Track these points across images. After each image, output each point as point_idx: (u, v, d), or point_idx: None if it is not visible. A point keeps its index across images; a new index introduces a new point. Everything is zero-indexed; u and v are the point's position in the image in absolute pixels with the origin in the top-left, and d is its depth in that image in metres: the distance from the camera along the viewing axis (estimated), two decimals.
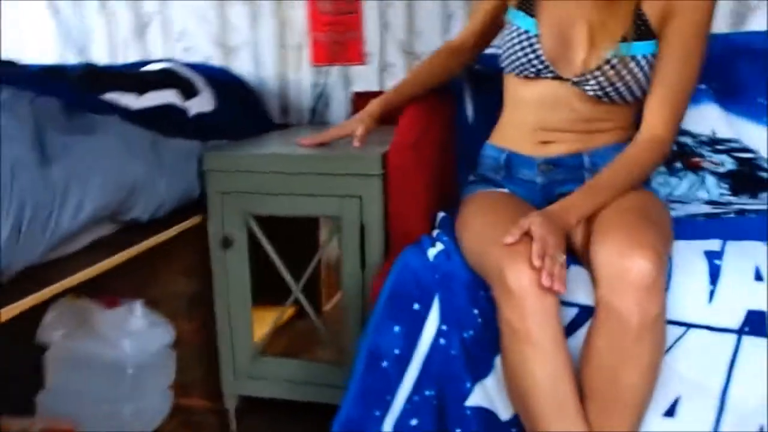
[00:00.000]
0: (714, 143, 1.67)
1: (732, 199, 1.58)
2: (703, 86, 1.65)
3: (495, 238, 1.13)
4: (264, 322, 1.66)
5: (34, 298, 1.05)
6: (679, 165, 1.69)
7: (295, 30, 2.08)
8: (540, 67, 1.27)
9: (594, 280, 1.07)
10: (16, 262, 1.02)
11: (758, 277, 1.10)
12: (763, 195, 1.59)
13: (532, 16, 1.28)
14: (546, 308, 1.04)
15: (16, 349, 1.59)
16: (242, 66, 2.16)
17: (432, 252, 1.23)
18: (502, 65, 1.35)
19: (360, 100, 2.07)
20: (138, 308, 1.62)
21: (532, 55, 1.27)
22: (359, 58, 2.05)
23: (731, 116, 1.67)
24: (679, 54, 1.21)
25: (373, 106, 1.49)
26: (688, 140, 1.68)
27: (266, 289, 1.62)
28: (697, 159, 1.68)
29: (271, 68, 2.14)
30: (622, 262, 1.01)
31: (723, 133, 1.66)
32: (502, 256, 1.07)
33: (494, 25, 1.48)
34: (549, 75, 1.27)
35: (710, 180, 1.66)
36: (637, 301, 1.00)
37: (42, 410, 1.65)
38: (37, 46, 2.30)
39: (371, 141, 1.46)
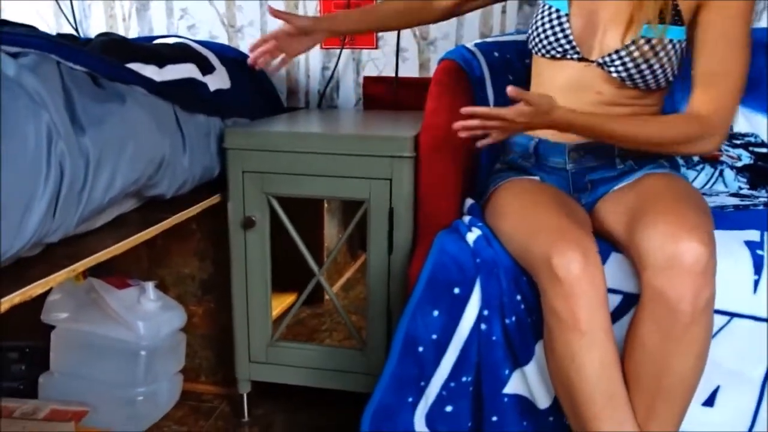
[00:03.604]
0: (731, 137, 1.68)
1: (753, 192, 1.59)
2: None
3: (538, 223, 1.12)
4: (273, 307, 1.62)
5: (67, 272, 1.00)
6: (696, 158, 1.70)
7: (305, 11, 2.04)
8: (567, 47, 1.27)
9: (640, 266, 1.05)
10: (53, 233, 0.97)
11: None
12: None
13: None
14: (596, 296, 1.03)
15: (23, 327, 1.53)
16: (248, 46, 2.09)
17: (471, 237, 1.20)
18: (530, 45, 1.34)
19: (371, 84, 2.04)
20: (151, 290, 1.56)
21: (560, 34, 1.27)
22: (371, 42, 2.02)
23: (748, 111, 1.68)
24: (719, 35, 1.17)
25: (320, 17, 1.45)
26: None
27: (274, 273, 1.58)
28: (715, 152, 1.69)
29: None
30: (674, 246, 0.99)
31: (741, 127, 1.68)
32: (550, 243, 1.05)
33: None
34: (575, 56, 1.27)
35: (728, 173, 1.66)
36: (691, 286, 0.98)
37: (45, 393, 1.59)
38: (33, 20, 2.21)
39: (395, 126, 1.42)
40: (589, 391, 1.03)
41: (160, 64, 1.44)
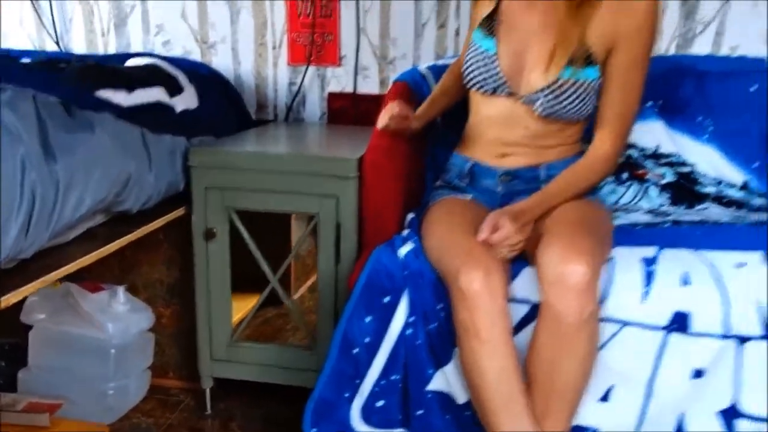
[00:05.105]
0: (657, 156, 1.83)
1: (670, 209, 1.75)
2: (650, 104, 1.81)
3: (453, 243, 1.27)
4: (236, 309, 1.76)
5: (39, 283, 1.14)
6: (626, 175, 1.85)
7: (273, 29, 2.17)
8: (496, 84, 1.39)
9: (539, 281, 1.21)
10: (26, 250, 1.11)
11: (685, 281, 1.27)
12: (699, 206, 1.77)
13: (492, 36, 1.40)
14: (496, 308, 1.18)
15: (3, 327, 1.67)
16: (220, 61, 2.24)
17: (402, 251, 1.35)
18: (464, 81, 1.46)
19: (334, 100, 2.18)
20: (120, 293, 1.70)
21: (491, 73, 1.39)
22: (335, 60, 2.16)
23: (674, 132, 1.83)
24: (622, 83, 1.34)
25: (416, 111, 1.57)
26: (634, 153, 1.83)
27: (238, 278, 1.72)
28: (642, 170, 1.84)
29: (248, 65, 2.23)
30: (561, 266, 1.15)
31: (666, 147, 1.83)
32: (459, 261, 1.21)
33: None
34: (504, 92, 1.39)
35: (653, 190, 1.82)
36: (575, 301, 1.14)
37: (23, 387, 1.73)
38: (16, 33, 2.34)
39: (348, 144, 1.56)
40: (490, 392, 1.19)
41: (130, 89, 1.57)
